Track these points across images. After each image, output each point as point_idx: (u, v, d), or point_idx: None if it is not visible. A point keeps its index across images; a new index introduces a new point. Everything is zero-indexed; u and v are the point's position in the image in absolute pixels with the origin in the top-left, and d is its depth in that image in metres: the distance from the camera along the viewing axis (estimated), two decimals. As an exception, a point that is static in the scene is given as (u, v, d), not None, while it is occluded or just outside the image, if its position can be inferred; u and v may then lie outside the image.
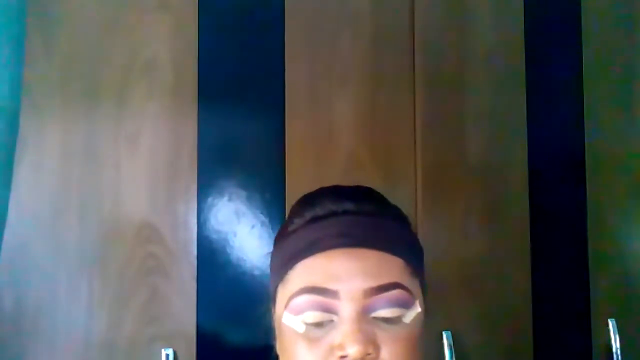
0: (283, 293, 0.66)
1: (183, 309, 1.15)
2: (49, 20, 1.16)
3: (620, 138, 1.40)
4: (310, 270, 0.64)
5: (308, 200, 0.70)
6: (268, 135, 1.22)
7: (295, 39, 1.24)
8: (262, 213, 1.20)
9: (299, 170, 1.21)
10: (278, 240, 0.70)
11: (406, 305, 0.63)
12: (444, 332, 1.22)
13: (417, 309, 0.64)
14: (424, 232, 1.24)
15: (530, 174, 1.32)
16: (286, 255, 0.67)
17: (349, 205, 0.66)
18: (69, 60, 1.16)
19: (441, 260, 1.25)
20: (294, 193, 1.19)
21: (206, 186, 1.18)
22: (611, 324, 1.32)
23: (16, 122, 1.02)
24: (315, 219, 0.66)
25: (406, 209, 1.27)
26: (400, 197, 1.25)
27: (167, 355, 1.12)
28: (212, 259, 1.17)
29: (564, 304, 1.33)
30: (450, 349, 1.21)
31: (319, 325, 0.62)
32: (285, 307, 0.64)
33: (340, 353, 0.60)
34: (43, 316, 1.11)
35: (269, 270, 0.72)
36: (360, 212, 0.66)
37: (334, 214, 0.66)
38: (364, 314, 0.61)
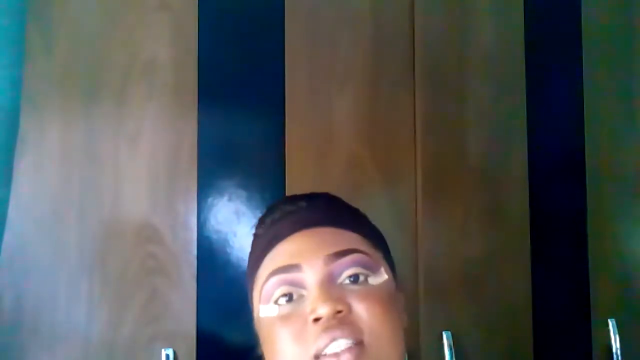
0: (256, 291, 0.69)
1: (183, 309, 1.15)
2: (49, 20, 1.16)
3: (620, 138, 1.40)
4: (273, 258, 0.67)
5: (268, 210, 0.74)
6: (268, 135, 1.22)
7: (295, 39, 1.24)
8: (262, 213, 1.19)
9: (299, 170, 1.21)
10: (248, 257, 0.74)
11: (368, 267, 0.65)
12: (444, 332, 1.22)
13: (384, 275, 0.66)
14: (424, 233, 1.25)
15: (530, 174, 1.32)
16: (253, 261, 0.71)
17: (302, 204, 0.71)
18: (69, 60, 1.16)
19: (441, 260, 1.25)
20: (293, 193, 1.19)
21: (206, 186, 1.18)
22: (611, 324, 1.32)
23: (16, 122, 1.02)
24: (274, 222, 0.71)
25: (406, 209, 1.28)
26: (400, 197, 1.25)
27: (167, 355, 1.12)
28: (212, 259, 1.17)
29: (564, 304, 1.33)
30: (450, 349, 1.21)
31: (290, 302, 0.64)
32: (260, 300, 0.67)
33: (313, 316, 0.61)
34: (43, 316, 1.11)
35: (246, 289, 0.75)
36: (313, 206, 0.71)
37: (289, 213, 0.70)
38: (329, 281, 0.64)
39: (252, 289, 0.71)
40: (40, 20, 1.15)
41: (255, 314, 0.70)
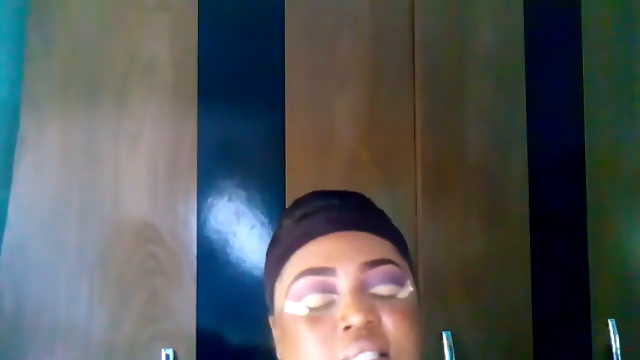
0: (281, 286, 0.68)
1: (183, 309, 1.15)
2: (49, 20, 1.16)
3: (620, 138, 1.40)
4: (305, 256, 0.66)
5: (296, 203, 0.73)
6: (268, 135, 1.22)
7: (295, 39, 1.24)
8: (262, 213, 1.20)
9: (299, 170, 1.21)
10: (270, 247, 0.73)
11: (399, 281, 0.65)
12: (443, 332, 1.22)
13: (410, 287, 0.66)
14: (424, 233, 1.25)
15: (530, 174, 1.32)
16: (279, 254, 0.69)
17: (334, 201, 0.70)
18: (69, 60, 1.16)
19: (441, 260, 1.26)
20: (294, 193, 1.19)
21: (206, 186, 1.18)
22: (611, 324, 1.32)
23: (16, 122, 1.02)
24: (304, 216, 0.69)
25: (406, 209, 1.28)
26: (400, 197, 1.25)
27: (167, 356, 1.12)
28: (212, 259, 1.17)
29: (564, 304, 1.33)
30: (450, 349, 1.21)
31: (320, 305, 0.64)
32: (286, 296, 0.66)
33: (344, 324, 0.61)
34: (43, 316, 1.11)
35: (264, 279, 0.74)
36: (345, 205, 0.70)
37: (321, 208, 0.69)
38: (362, 289, 0.63)
39: (274, 282, 0.70)
40: (40, 20, 1.15)
41: (276, 309, 0.69)
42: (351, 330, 0.61)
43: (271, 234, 1.16)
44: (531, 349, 1.29)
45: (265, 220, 1.20)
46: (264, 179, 1.20)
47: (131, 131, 1.17)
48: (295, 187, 1.20)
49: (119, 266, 1.14)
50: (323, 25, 1.25)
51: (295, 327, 0.64)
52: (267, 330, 0.74)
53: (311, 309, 0.64)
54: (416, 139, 1.27)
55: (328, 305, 0.63)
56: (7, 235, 1.08)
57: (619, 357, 1.30)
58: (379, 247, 0.66)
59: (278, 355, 0.72)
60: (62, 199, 1.14)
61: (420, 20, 1.29)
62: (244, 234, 1.19)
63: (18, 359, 1.09)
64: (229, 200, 1.19)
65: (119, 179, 1.15)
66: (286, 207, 1.17)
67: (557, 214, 1.34)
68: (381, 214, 0.73)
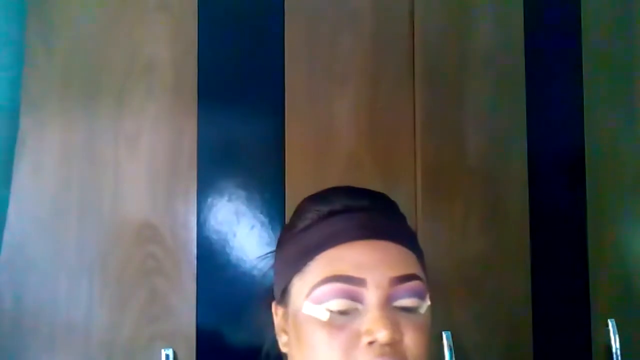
0: (302, 284, 0.66)
1: (183, 309, 1.15)
2: (49, 20, 1.16)
3: (620, 138, 1.40)
4: (334, 260, 0.65)
5: (322, 197, 0.71)
6: (268, 135, 1.22)
7: (295, 39, 1.24)
8: (261, 213, 1.20)
9: (298, 170, 1.21)
10: (288, 238, 0.71)
11: (422, 296, 0.66)
12: (443, 332, 1.22)
13: (428, 301, 0.67)
14: (424, 232, 1.25)
15: (530, 174, 1.32)
16: (303, 248, 0.68)
17: (365, 202, 0.69)
18: (69, 60, 1.16)
19: (441, 260, 1.25)
20: (293, 193, 1.20)
21: (206, 186, 1.18)
22: (611, 324, 1.32)
23: (16, 122, 1.02)
24: (332, 213, 0.68)
25: (406, 209, 1.27)
26: (400, 197, 1.24)
27: (167, 356, 1.12)
28: (211, 259, 1.17)
29: (564, 304, 1.33)
30: (450, 349, 1.21)
31: (343, 313, 0.63)
32: (307, 296, 0.65)
33: (369, 339, 0.61)
34: (43, 316, 1.11)
35: (272, 269, 0.73)
36: (375, 209, 0.69)
37: (351, 209, 0.68)
38: (387, 303, 0.63)
39: (291, 275, 0.68)
40: (40, 20, 1.15)
41: (292, 304, 0.68)
42: (375, 346, 0.60)
43: (271, 234, 1.18)
44: (531, 349, 1.29)
45: (265, 220, 1.20)
46: (264, 179, 1.20)
47: (131, 131, 1.17)
48: (295, 187, 1.20)
49: (118, 266, 1.14)
50: (323, 25, 1.25)
51: (314, 331, 0.63)
52: (267, 323, 0.73)
53: (333, 314, 0.63)
54: (416, 139, 1.27)
55: (351, 313, 0.63)
56: (7, 235, 1.08)
57: (619, 357, 1.30)
58: (407, 260, 0.66)
59: (282, 347, 0.72)
60: (62, 199, 1.14)
61: (420, 20, 1.29)
62: (244, 234, 1.19)
63: (18, 359, 1.09)
64: (229, 200, 1.19)
65: (118, 179, 1.15)
66: (286, 206, 1.19)
67: (557, 214, 1.34)
68: (404, 220, 0.73)
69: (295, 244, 0.69)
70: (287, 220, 1.18)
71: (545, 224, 1.32)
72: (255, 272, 1.18)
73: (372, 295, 0.63)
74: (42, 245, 1.12)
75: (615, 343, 1.30)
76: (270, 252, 0.78)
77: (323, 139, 1.23)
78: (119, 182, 1.15)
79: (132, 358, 1.12)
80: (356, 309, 0.63)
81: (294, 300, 0.68)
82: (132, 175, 1.16)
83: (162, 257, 1.15)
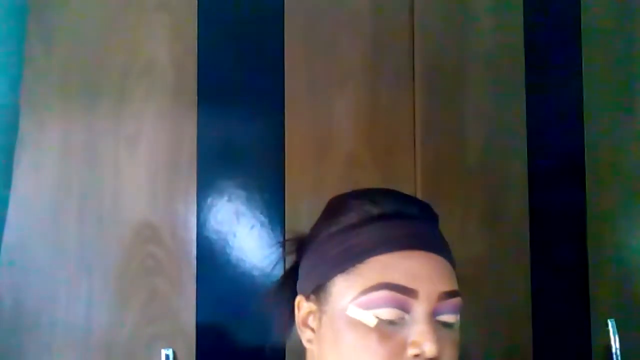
0: (347, 285, 0.66)
1: (182, 309, 1.15)
2: (49, 20, 1.16)
3: (620, 138, 1.40)
4: (387, 267, 0.65)
5: (369, 197, 0.71)
6: (268, 135, 1.22)
7: (295, 39, 1.24)
8: (261, 213, 1.20)
9: (298, 171, 1.21)
10: (330, 232, 0.70)
11: (460, 312, 0.67)
12: (443, 332, 1.22)
13: (459, 316, 0.68)
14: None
15: (530, 174, 1.32)
16: (351, 248, 0.67)
17: (415, 210, 0.70)
18: (68, 60, 1.16)
19: (441, 261, 1.25)
20: (293, 193, 1.20)
21: (206, 186, 1.18)
22: (611, 324, 1.32)
23: (16, 122, 1.02)
24: (383, 217, 0.68)
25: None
26: (400, 197, 1.25)
27: (167, 356, 1.12)
28: (211, 259, 1.17)
29: (564, 304, 1.33)
30: (450, 349, 1.21)
31: (391, 321, 0.63)
32: (353, 299, 0.65)
33: (415, 351, 0.62)
34: (43, 316, 1.11)
35: (311, 260, 0.72)
36: (424, 219, 0.70)
37: (402, 215, 0.68)
38: (432, 316, 0.64)
39: (334, 272, 0.67)
40: (40, 20, 1.15)
41: (331, 304, 0.67)
42: (420, 358, 0.61)
43: (271, 234, 1.19)
44: (531, 349, 1.28)
45: (265, 220, 1.20)
46: (264, 179, 1.20)
47: (131, 131, 1.17)
48: (295, 187, 1.20)
49: (118, 266, 1.14)
50: (323, 25, 1.25)
51: (359, 335, 0.63)
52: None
53: (381, 321, 0.63)
54: (416, 139, 1.27)
55: (398, 323, 0.63)
56: (7, 235, 1.09)
57: (619, 357, 1.30)
58: (452, 276, 0.68)
59: (305, 341, 0.71)
60: (62, 199, 1.14)
61: (420, 20, 1.29)
62: (244, 234, 1.19)
63: (18, 359, 1.10)
64: (229, 200, 1.19)
65: (118, 179, 1.15)
66: (286, 206, 1.19)
67: (557, 214, 1.34)
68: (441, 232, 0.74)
69: (342, 242, 0.68)
70: (287, 220, 1.19)
71: (545, 224, 1.32)
72: (255, 272, 1.18)
73: (421, 308, 0.63)
74: (42, 245, 1.13)
75: (615, 343, 1.30)
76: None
77: (323, 139, 1.23)
78: (119, 182, 1.15)
79: (132, 358, 1.12)
80: (403, 319, 0.64)
81: (335, 299, 0.67)
82: (132, 175, 1.16)
83: (162, 257, 1.15)
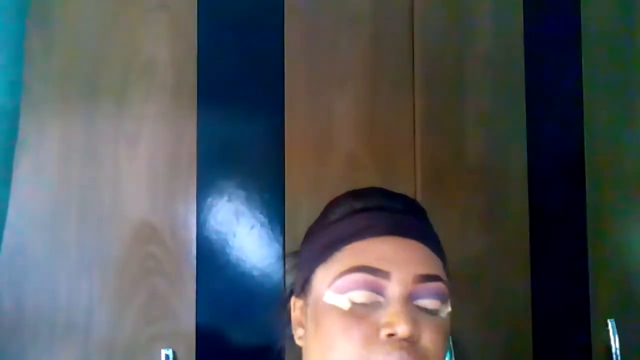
0: (325, 273, 0.67)
1: (182, 309, 1.15)
2: (49, 20, 1.16)
3: (619, 138, 1.40)
4: (361, 251, 0.65)
5: (356, 194, 0.72)
6: (268, 135, 1.22)
7: (295, 39, 1.24)
8: (261, 213, 1.20)
9: (298, 171, 1.21)
10: (317, 230, 0.72)
11: (444, 299, 0.65)
12: (443, 332, 1.22)
13: (449, 307, 0.67)
14: (424, 232, 1.24)
15: (530, 175, 1.32)
16: (332, 240, 0.68)
17: (399, 205, 0.70)
18: (68, 60, 1.16)
19: (441, 261, 1.25)
20: (293, 193, 1.20)
21: (206, 186, 1.18)
22: (610, 324, 1.32)
23: (16, 122, 1.02)
24: (366, 209, 0.69)
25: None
26: (400, 197, 1.25)
27: (167, 356, 1.12)
28: (211, 259, 1.17)
29: (564, 304, 1.33)
30: (450, 349, 1.21)
31: (364, 304, 0.63)
32: (329, 285, 0.65)
33: (388, 331, 0.61)
34: (43, 316, 1.11)
35: (302, 259, 0.72)
36: (408, 212, 0.70)
37: (385, 208, 0.69)
38: (409, 299, 0.63)
39: (316, 266, 0.68)
40: (40, 20, 1.15)
41: (313, 293, 0.68)
42: (394, 339, 0.61)
43: (271, 234, 1.19)
44: (531, 349, 1.29)
45: (265, 220, 1.20)
46: (264, 179, 1.21)
47: (131, 131, 1.17)
48: (295, 187, 1.20)
49: (118, 266, 1.14)
50: (323, 25, 1.25)
51: (334, 319, 0.63)
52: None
53: (354, 304, 0.63)
54: (416, 139, 1.27)
55: (372, 305, 0.63)
56: (7, 235, 1.08)
57: (619, 358, 1.30)
58: (433, 262, 0.67)
59: (297, 340, 0.72)
60: (62, 199, 1.14)
61: (420, 21, 1.29)
62: (244, 234, 1.19)
63: (18, 359, 1.10)
64: (229, 200, 1.19)
65: (118, 179, 1.15)
66: (286, 206, 1.19)
67: (557, 214, 1.34)
68: (433, 228, 0.74)
69: (325, 236, 0.70)
70: (287, 220, 1.19)
71: (545, 224, 1.32)
72: (254, 272, 1.18)
73: (394, 289, 0.63)
74: (42, 245, 1.13)
75: (615, 343, 1.30)
76: (291, 254, 0.79)
77: (323, 139, 1.23)
78: (119, 182, 1.15)
79: (132, 358, 1.12)
80: (377, 302, 0.63)
81: (315, 289, 0.68)
82: (132, 175, 1.16)
83: (162, 257, 1.15)
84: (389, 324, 0.61)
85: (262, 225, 1.19)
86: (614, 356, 1.30)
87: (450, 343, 1.21)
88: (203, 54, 1.20)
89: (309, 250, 0.71)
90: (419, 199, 1.26)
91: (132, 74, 1.17)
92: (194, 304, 1.15)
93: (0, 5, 0.94)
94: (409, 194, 1.24)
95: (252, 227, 1.19)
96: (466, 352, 1.24)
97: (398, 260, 0.64)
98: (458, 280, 1.25)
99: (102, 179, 1.15)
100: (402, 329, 0.60)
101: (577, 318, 1.33)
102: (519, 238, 1.31)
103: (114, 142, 1.16)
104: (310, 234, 0.73)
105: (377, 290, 0.63)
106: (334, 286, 0.65)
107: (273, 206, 1.20)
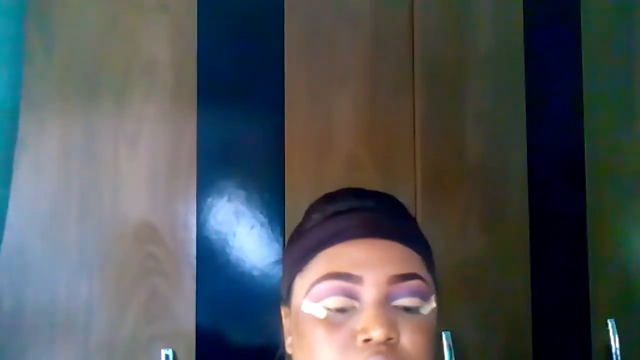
0: (302, 282, 0.66)
1: (182, 309, 1.15)
2: (48, 20, 1.16)
3: (620, 138, 1.40)
4: (333, 258, 0.65)
5: (329, 198, 0.72)
6: (268, 135, 1.22)
7: (295, 39, 1.24)
8: (261, 213, 1.20)
9: (298, 171, 1.21)
10: (295, 238, 0.71)
11: (424, 296, 0.65)
12: (443, 333, 1.22)
13: (433, 303, 0.66)
14: (424, 232, 1.24)
15: (530, 175, 1.32)
16: (306, 247, 0.68)
17: (370, 203, 0.69)
18: (68, 60, 1.16)
19: (441, 261, 1.24)
20: (293, 193, 1.20)
21: (206, 186, 1.18)
22: (610, 324, 1.32)
23: (15, 122, 1.02)
24: (337, 213, 0.68)
25: (406, 209, 1.27)
26: (400, 197, 1.24)
27: (167, 356, 1.12)
28: (211, 259, 1.17)
29: (564, 304, 1.33)
30: (450, 349, 1.21)
31: (340, 310, 0.63)
32: (306, 294, 0.65)
33: (364, 336, 0.60)
34: (43, 316, 1.11)
35: (283, 268, 0.73)
36: (380, 210, 0.69)
37: (355, 209, 0.68)
38: (385, 301, 0.62)
39: (295, 275, 0.68)
40: (40, 20, 1.15)
41: (293, 304, 0.68)
42: (370, 344, 0.60)
43: (271, 234, 1.19)
44: (531, 349, 1.29)
45: (265, 220, 1.20)
46: (264, 179, 1.21)
47: (131, 131, 1.17)
48: (295, 187, 1.20)
49: (118, 266, 1.14)
50: (323, 25, 1.25)
51: (312, 329, 0.63)
52: (273, 323, 0.73)
53: (330, 312, 0.63)
54: (416, 140, 1.27)
55: (348, 311, 0.62)
56: (7, 235, 1.08)
57: (619, 358, 1.30)
58: (408, 260, 0.66)
59: (287, 348, 0.72)
60: (62, 199, 1.14)
61: (420, 20, 1.29)
62: (244, 234, 1.19)
63: (18, 358, 1.10)
64: (229, 200, 1.19)
65: (118, 179, 1.15)
66: (286, 206, 1.19)
67: (557, 215, 1.34)
68: (413, 222, 0.72)
69: (300, 243, 0.69)
70: (286, 220, 1.19)
71: (545, 224, 1.32)
72: (254, 273, 1.18)
73: (369, 293, 0.62)
74: (42, 245, 1.13)
75: (615, 343, 1.30)
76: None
77: (323, 139, 1.23)
78: (119, 182, 1.15)
79: (132, 358, 1.12)
80: (354, 307, 0.63)
81: (295, 298, 0.68)
82: (132, 175, 1.16)
83: (162, 257, 1.15)
84: (364, 330, 0.60)
85: (262, 225, 1.19)
86: (614, 356, 1.30)
87: (450, 342, 1.21)
88: (203, 54, 1.20)
89: (288, 258, 0.71)
90: (419, 199, 1.26)
91: (132, 74, 1.17)
92: (194, 304, 1.15)
93: (0, 6, 0.94)
94: (409, 194, 1.25)
95: (252, 227, 1.19)
96: (466, 352, 1.24)
97: (370, 263, 0.63)
98: (458, 280, 1.26)
99: (102, 179, 1.15)
100: (377, 334, 0.59)
101: (577, 318, 1.34)
102: (519, 238, 1.31)
103: (114, 142, 1.16)
104: (290, 241, 0.73)
105: (352, 296, 0.63)
106: (310, 295, 0.64)
107: (273, 206, 1.20)
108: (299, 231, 0.71)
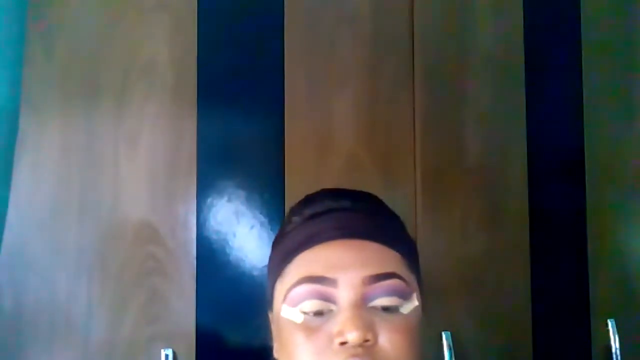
0: (281, 287, 0.66)
1: (182, 309, 1.15)
2: (48, 20, 1.16)
3: (620, 138, 1.40)
4: (308, 261, 0.65)
5: (307, 200, 0.71)
6: (268, 136, 1.22)
7: (295, 39, 1.24)
8: (261, 213, 1.20)
9: (298, 171, 1.21)
10: (276, 242, 0.72)
11: (403, 295, 0.64)
12: (443, 333, 1.22)
13: (415, 302, 0.65)
14: (424, 233, 1.24)
15: (530, 175, 1.32)
16: (284, 251, 0.68)
17: (346, 203, 0.68)
18: (68, 60, 1.16)
19: (441, 261, 1.25)
20: (293, 193, 1.19)
21: (206, 186, 1.18)
22: (610, 324, 1.32)
23: (16, 123, 1.02)
24: (313, 216, 0.68)
25: (405, 209, 1.28)
26: (399, 197, 1.25)
27: (167, 356, 1.12)
28: (211, 259, 1.17)
29: (564, 304, 1.33)
30: (450, 349, 1.21)
31: (317, 314, 0.62)
32: (284, 299, 0.65)
33: (340, 339, 0.60)
34: (42, 316, 1.11)
35: (267, 273, 0.73)
36: (357, 209, 0.68)
37: (332, 210, 0.67)
38: (362, 303, 0.62)
39: (274, 281, 0.68)
40: (40, 21, 1.15)
41: (275, 309, 0.68)
42: (347, 346, 0.59)
43: (271, 234, 1.18)
44: (531, 349, 1.28)
45: (265, 220, 1.20)
46: (264, 179, 1.20)
47: (131, 131, 1.17)
48: (295, 187, 1.20)
49: (118, 266, 1.14)
50: (323, 25, 1.25)
51: (290, 333, 0.63)
52: (266, 327, 0.74)
53: (307, 316, 0.62)
54: (416, 140, 1.27)
55: (325, 314, 0.62)
56: (7, 235, 1.09)
57: (619, 358, 1.30)
58: (385, 259, 0.65)
59: (274, 353, 0.71)
60: (62, 199, 1.14)
61: (420, 21, 1.29)
62: (244, 234, 1.19)
63: (18, 359, 1.10)
64: (229, 200, 1.19)
65: (118, 179, 1.15)
66: (286, 206, 1.19)
67: (557, 214, 1.34)
68: (394, 220, 0.71)
69: (280, 248, 0.69)
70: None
71: (545, 224, 1.32)
72: (254, 273, 1.18)
73: (344, 296, 0.62)
74: (42, 245, 1.13)
75: (615, 343, 1.30)
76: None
77: (323, 139, 1.23)
78: (119, 182, 1.15)
79: (132, 358, 1.12)
80: (330, 310, 0.62)
81: (276, 305, 0.68)
82: (132, 175, 1.16)
83: (162, 257, 1.15)
84: (340, 333, 0.60)
85: (262, 225, 1.19)
86: (614, 356, 1.30)
87: (450, 342, 1.21)
88: (203, 54, 1.20)
89: (270, 262, 0.71)
90: (419, 199, 1.26)
91: (132, 74, 1.17)
92: (194, 304, 1.15)
93: (0, 5, 0.94)
94: (409, 194, 1.25)
95: (252, 227, 1.19)
96: (466, 352, 1.24)
97: (344, 265, 0.63)
98: (458, 280, 1.26)
99: (101, 179, 1.15)
100: (353, 336, 0.59)
101: (577, 318, 1.33)
102: (519, 238, 1.31)
103: (114, 142, 1.16)
104: (272, 245, 0.72)
105: (328, 299, 0.62)
106: (287, 299, 0.64)
107: (273, 206, 1.20)
108: (280, 235, 0.71)
